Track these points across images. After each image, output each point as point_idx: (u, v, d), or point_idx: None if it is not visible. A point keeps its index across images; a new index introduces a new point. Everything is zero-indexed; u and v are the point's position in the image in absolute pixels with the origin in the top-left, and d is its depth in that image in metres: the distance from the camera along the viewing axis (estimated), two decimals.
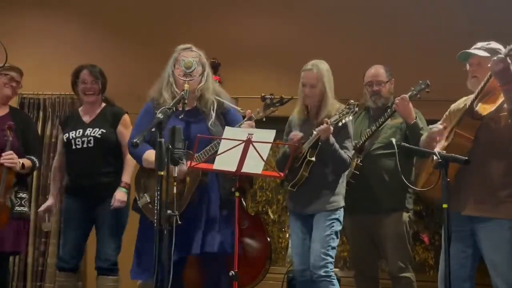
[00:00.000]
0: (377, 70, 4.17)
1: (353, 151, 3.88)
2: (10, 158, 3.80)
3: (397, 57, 4.66)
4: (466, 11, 5.04)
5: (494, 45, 3.18)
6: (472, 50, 3.22)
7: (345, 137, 3.67)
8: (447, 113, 3.43)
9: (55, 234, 5.12)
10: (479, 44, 3.23)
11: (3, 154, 3.78)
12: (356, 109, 3.53)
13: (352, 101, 3.54)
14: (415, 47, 5.01)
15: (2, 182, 3.78)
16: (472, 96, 3.17)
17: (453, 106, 3.40)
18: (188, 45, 3.62)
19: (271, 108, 3.48)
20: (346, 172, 3.82)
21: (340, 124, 3.51)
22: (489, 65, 2.98)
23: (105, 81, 4.14)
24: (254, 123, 3.43)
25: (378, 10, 5.17)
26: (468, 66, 3.27)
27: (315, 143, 3.59)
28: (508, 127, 3.06)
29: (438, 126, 3.31)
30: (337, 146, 3.57)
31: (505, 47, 3.01)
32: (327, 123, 3.47)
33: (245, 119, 3.48)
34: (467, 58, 3.25)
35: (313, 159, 3.59)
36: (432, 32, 5.04)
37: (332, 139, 3.53)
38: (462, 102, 3.33)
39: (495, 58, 2.94)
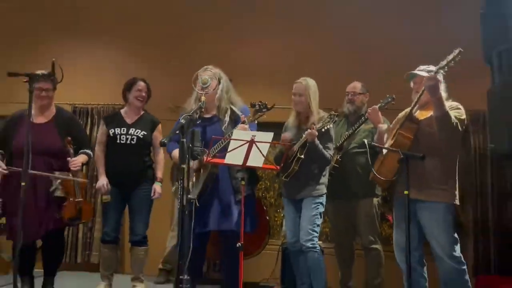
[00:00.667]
0: (355, 84, 4.26)
1: (334, 150, 3.91)
2: (75, 163, 3.73)
3: (370, 76, 4.65)
4: (429, 36, 5.01)
5: (432, 68, 3.22)
6: (416, 72, 3.25)
7: (328, 140, 3.71)
8: (396, 119, 3.48)
9: (99, 213, 5.12)
10: (422, 67, 3.27)
11: (70, 161, 3.69)
12: (336, 119, 3.60)
13: (333, 112, 3.60)
14: (384, 67, 4.99)
15: (76, 186, 3.72)
16: (412, 105, 3.24)
17: (400, 114, 3.46)
18: (207, 66, 3.64)
19: (259, 113, 3.44)
20: (328, 166, 3.85)
21: (323, 130, 3.55)
22: (422, 81, 3.05)
23: (150, 95, 4.17)
24: (247, 126, 3.39)
25: (355, 41, 5.17)
26: (412, 84, 3.31)
27: (303, 144, 3.62)
28: (434, 136, 3.11)
29: (384, 126, 3.41)
30: (320, 146, 3.61)
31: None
32: (313, 129, 3.52)
33: (240, 122, 3.47)
34: (413, 78, 3.30)
35: (302, 156, 3.61)
36: (399, 54, 5.01)
37: (317, 141, 3.57)
38: (405, 113, 3.37)
39: (428, 75, 3.01)
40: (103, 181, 3.95)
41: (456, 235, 3.15)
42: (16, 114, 3.81)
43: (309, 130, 3.54)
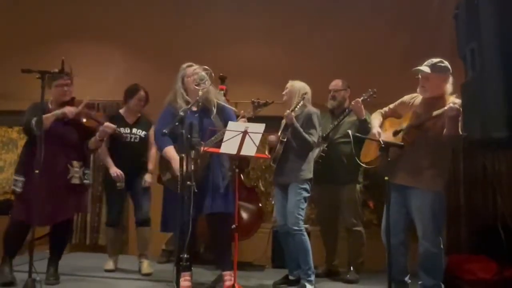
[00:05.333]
0: (337, 82, 4.22)
1: (321, 139, 3.88)
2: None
3: (353, 73, 4.59)
4: (407, 35, 4.94)
5: (441, 63, 3.06)
6: (420, 67, 3.09)
7: (310, 127, 3.61)
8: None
9: (106, 200, 5.04)
10: (429, 61, 3.09)
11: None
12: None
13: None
14: (365, 65, 4.93)
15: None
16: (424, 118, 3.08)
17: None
18: (190, 63, 3.57)
19: (258, 109, 3.48)
20: (314, 154, 3.77)
21: (296, 108, 3.54)
22: (445, 108, 2.85)
23: (148, 101, 4.20)
24: (246, 120, 3.43)
25: (337, 43, 5.10)
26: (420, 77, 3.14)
27: (284, 127, 3.60)
28: (436, 132, 3.01)
29: (378, 130, 3.25)
30: (300, 129, 3.53)
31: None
32: (288, 111, 3.53)
33: (239, 117, 3.44)
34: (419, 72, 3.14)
35: (285, 139, 3.59)
36: (378, 54, 4.96)
37: (296, 123, 3.52)
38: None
39: (452, 105, 2.81)
40: (116, 170, 3.96)
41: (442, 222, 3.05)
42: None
43: (286, 113, 3.54)
